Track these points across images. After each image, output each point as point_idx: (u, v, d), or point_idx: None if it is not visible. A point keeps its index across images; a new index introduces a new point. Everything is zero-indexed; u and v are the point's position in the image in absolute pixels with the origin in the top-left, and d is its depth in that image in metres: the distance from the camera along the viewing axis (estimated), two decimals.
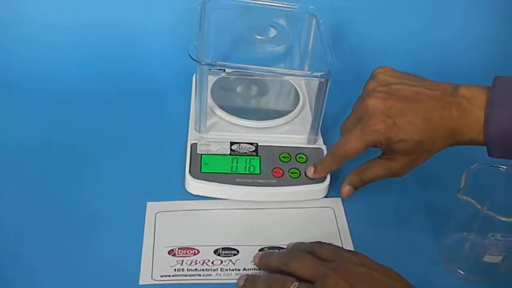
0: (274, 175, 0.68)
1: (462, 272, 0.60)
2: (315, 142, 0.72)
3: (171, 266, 0.60)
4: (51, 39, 0.83)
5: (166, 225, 0.64)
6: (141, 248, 0.61)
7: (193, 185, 0.67)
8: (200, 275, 0.59)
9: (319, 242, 0.60)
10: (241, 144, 0.70)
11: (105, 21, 0.84)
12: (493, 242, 0.55)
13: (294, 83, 0.79)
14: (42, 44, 0.83)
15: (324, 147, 0.71)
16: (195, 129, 0.71)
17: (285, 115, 0.74)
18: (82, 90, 0.81)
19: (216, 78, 0.78)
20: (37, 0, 0.83)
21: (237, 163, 0.68)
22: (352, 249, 0.63)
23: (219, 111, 0.74)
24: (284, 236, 0.63)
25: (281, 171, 0.68)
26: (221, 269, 0.60)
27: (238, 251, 0.62)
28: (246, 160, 0.69)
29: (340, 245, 0.63)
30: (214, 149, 0.70)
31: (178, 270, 0.59)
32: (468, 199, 0.54)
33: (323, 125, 0.75)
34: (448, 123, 0.57)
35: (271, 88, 0.79)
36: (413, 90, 0.59)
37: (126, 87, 0.82)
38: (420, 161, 0.61)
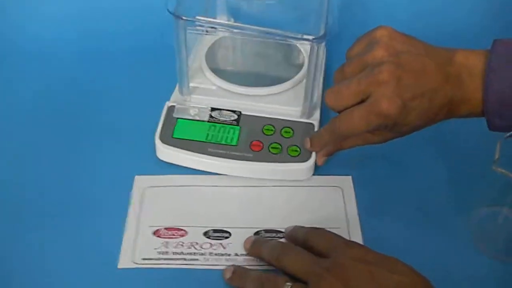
0: (251, 149, 0.61)
1: (489, 249, 0.55)
2: (309, 116, 0.64)
3: (155, 248, 0.54)
4: None
5: (153, 202, 0.58)
6: (124, 227, 0.56)
7: (163, 151, 0.61)
8: (185, 259, 0.53)
9: (316, 229, 0.53)
10: (223, 111, 0.63)
11: None
12: None
13: (301, 48, 0.71)
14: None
15: (316, 123, 0.63)
16: (179, 91, 0.65)
17: (281, 83, 0.66)
18: (73, 49, 0.76)
19: (216, 38, 0.71)
20: None
21: (214, 131, 0.62)
22: (359, 233, 0.56)
23: (208, 74, 0.67)
24: (283, 218, 0.56)
25: (260, 145, 0.61)
26: (210, 254, 0.54)
27: (230, 234, 0.55)
28: (224, 129, 0.62)
29: (346, 228, 0.56)
30: (192, 113, 0.63)
31: (163, 253, 0.54)
32: (504, 171, 0.49)
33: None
34: (449, 99, 0.52)
35: (275, 53, 0.71)
36: (420, 61, 0.52)
37: (123, 44, 0.76)
38: (404, 135, 0.55)
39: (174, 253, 0.53)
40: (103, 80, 0.73)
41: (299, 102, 0.64)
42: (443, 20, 0.81)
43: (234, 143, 0.61)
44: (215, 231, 0.56)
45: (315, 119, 0.63)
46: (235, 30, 0.60)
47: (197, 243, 0.54)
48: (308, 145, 0.60)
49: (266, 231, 0.55)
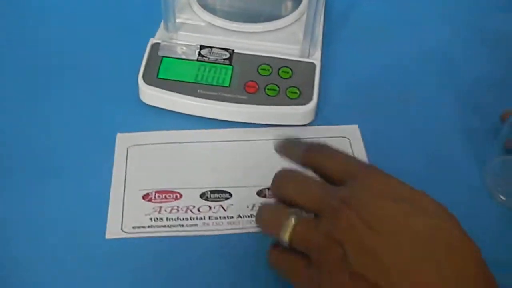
0: (246, 90, 0.54)
1: (503, 198, 0.51)
2: (309, 55, 0.57)
3: (146, 215, 0.48)
4: None
5: (140, 163, 0.51)
6: (109, 192, 0.49)
7: (147, 93, 0.55)
8: (183, 225, 0.47)
9: (319, 146, 0.40)
10: (213, 49, 0.57)
11: None
12: None
13: None
14: None
15: (318, 62, 0.57)
16: (164, 27, 0.58)
17: (278, 18, 0.59)
18: None
19: None
20: None
21: (204, 71, 0.55)
22: None
23: (196, 8, 0.60)
24: None
25: (256, 86, 0.55)
26: (209, 218, 0.48)
27: (230, 194, 0.49)
28: (215, 68, 0.55)
29: None
30: (179, 51, 0.57)
31: (155, 219, 0.47)
32: None
33: (326, 35, 0.61)
34: None
35: None
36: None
37: None
38: None
39: (168, 219, 0.47)
40: (79, 17, 0.66)
41: (298, 39, 0.57)
42: None
43: (226, 84, 0.55)
44: (213, 192, 0.49)
45: (316, 59, 0.57)
46: None
47: (194, 206, 0.48)
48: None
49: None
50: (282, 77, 0.55)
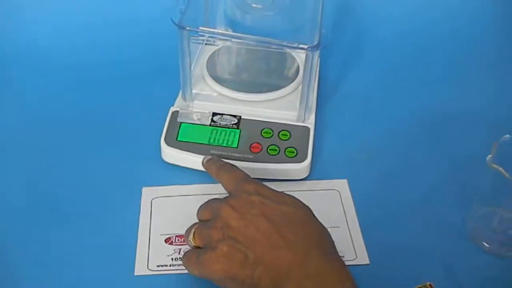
0: (251, 150, 0.65)
1: (487, 245, 0.58)
2: (305, 120, 0.68)
3: (168, 255, 0.57)
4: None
5: (162, 212, 0.61)
6: (136, 237, 0.58)
7: (167, 153, 0.65)
8: None
9: (225, 166, 0.58)
10: (224, 116, 0.67)
11: None
12: None
13: (297, 57, 0.75)
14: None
15: (312, 126, 0.67)
16: (182, 97, 0.69)
17: (278, 89, 0.70)
18: (80, 58, 0.80)
19: (216, 48, 0.75)
20: None
21: (215, 134, 0.66)
22: (359, 231, 0.60)
23: (209, 81, 0.71)
24: None
25: (259, 147, 0.65)
26: None
27: None
28: (225, 132, 0.66)
29: (347, 227, 0.60)
30: (195, 118, 0.67)
31: (176, 259, 0.56)
32: (496, 166, 0.52)
33: (320, 103, 0.71)
34: None
35: (272, 61, 0.75)
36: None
37: (128, 54, 0.81)
38: None
39: None
40: (109, 88, 0.77)
41: (295, 107, 0.68)
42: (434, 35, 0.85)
43: (234, 145, 0.65)
44: None
45: (310, 123, 0.68)
46: (234, 40, 0.64)
47: None
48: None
49: None
50: (281, 139, 0.66)
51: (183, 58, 0.65)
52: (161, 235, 0.59)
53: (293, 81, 0.72)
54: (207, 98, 0.69)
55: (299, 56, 0.74)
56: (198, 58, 0.74)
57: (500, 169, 0.52)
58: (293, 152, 0.64)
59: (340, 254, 0.49)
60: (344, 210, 0.62)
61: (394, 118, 0.73)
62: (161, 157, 0.66)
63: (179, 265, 0.56)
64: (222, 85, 0.70)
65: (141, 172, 0.66)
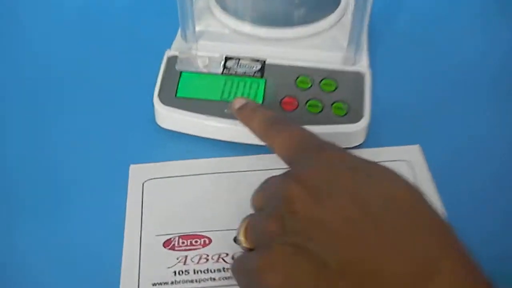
0: (283, 108, 0.45)
1: None
2: (355, 63, 0.48)
3: (169, 267, 0.38)
4: None
5: (158, 201, 0.42)
6: (122, 239, 0.40)
7: (164, 115, 0.46)
8: (214, 279, 0.38)
9: (284, 120, 0.38)
10: (241, 61, 0.48)
11: None
12: None
13: None
14: None
15: (366, 71, 0.47)
16: (181, 36, 0.50)
17: (316, 21, 0.50)
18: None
19: None
20: None
21: (231, 87, 0.46)
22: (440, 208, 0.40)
23: (219, 13, 0.51)
24: None
25: (294, 102, 0.45)
26: None
27: None
28: (244, 83, 0.46)
29: None
30: (201, 65, 0.48)
31: (181, 273, 0.38)
32: None
33: (372, 38, 0.52)
34: None
35: None
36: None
37: None
38: None
39: (196, 271, 0.38)
40: (85, 31, 0.57)
41: (340, 45, 0.48)
42: None
43: (259, 100, 0.45)
44: None
45: (363, 66, 0.48)
46: None
47: (226, 254, 0.39)
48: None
49: None
50: (325, 90, 0.46)
51: None
52: (157, 236, 0.40)
53: (334, 10, 0.51)
54: (216, 37, 0.50)
55: None
56: None
57: None
58: (342, 108, 0.45)
59: None
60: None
61: (475, 57, 0.53)
62: (155, 121, 0.47)
63: (185, 281, 0.37)
64: (237, 18, 0.50)
65: (128, 143, 0.47)
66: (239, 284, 0.32)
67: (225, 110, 0.44)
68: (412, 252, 0.27)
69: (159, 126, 0.47)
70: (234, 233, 0.39)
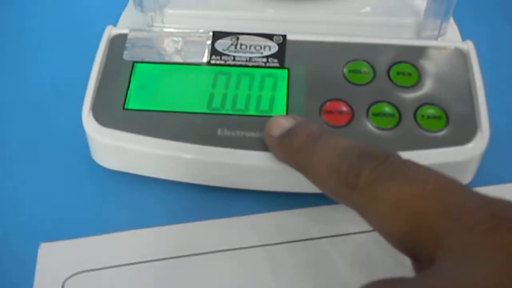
0: (326, 120, 0.24)
1: None
2: (439, 35, 0.27)
3: None
4: None
5: None
6: None
7: (102, 145, 0.25)
8: None
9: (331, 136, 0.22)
10: (242, 39, 0.27)
11: None
12: None
13: None
14: None
15: (471, 47, 0.26)
16: (134, 2, 0.28)
17: None
18: None
19: None
20: None
21: (226, 87, 0.25)
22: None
23: None
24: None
25: (347, 110, 0.24)
26: None
27: None
28: (251, 79, 0.25)
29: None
30: (170, 49, 0.26)
31: None
32: None
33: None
34: None
35: None
36: None
37: None
38: None
39: None
40: None
41: (411, 5, 0.27)
42: None
43: (280, 110, 0.24)
44: None
45: (454, 39, 0.27)
46: None
47: None
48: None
49: None
50: (399, 85, 0.25)
51: None
52: None
53: None
54: (195, 1, 0.28)
55: None
56: None
57: None
58: (436, 116, 0.24)
59: None
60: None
61: None
62: (88, 155, 0.26)
63: None
64: None
65: (42, 197, 0.25)
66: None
67: (218, 133, 0.23)
68: None
69: (96, 164, 0.25)
70: None
